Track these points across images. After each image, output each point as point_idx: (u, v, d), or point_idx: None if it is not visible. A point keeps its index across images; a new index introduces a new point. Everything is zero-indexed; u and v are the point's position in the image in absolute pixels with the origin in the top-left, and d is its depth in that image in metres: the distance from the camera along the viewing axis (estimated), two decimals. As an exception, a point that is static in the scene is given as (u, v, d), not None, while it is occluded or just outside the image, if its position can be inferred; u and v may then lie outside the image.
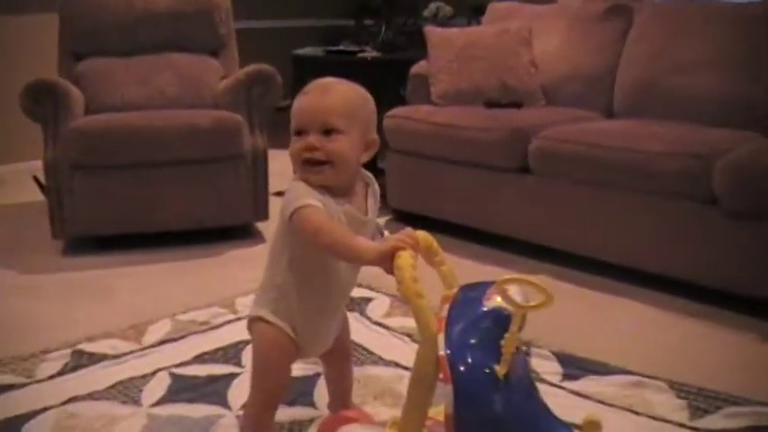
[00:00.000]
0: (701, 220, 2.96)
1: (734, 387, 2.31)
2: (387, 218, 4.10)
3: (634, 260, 3.17)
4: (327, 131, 1.69)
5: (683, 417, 2.19)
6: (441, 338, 1.41)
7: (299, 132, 1.72)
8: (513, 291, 1.42)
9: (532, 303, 1.38)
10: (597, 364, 2.47)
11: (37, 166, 3.70)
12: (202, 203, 3.68)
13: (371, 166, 4.40)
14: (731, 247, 2.87)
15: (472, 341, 1.41)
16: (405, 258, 1.44)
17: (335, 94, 1.73)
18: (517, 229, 3.56)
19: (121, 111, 3.73)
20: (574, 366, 2.47)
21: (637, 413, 2.20)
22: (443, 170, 3.80)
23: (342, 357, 2.04)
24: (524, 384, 1.52)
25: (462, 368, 1.38)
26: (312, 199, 1.65)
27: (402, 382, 2.33)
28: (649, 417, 2.19)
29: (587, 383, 2.37)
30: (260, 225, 3.94)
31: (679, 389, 2.32)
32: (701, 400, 2.26)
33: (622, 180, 3.16)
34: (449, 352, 1.39)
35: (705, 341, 2.71)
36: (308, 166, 1.71)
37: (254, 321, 1.84)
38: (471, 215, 3.73)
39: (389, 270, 1.50)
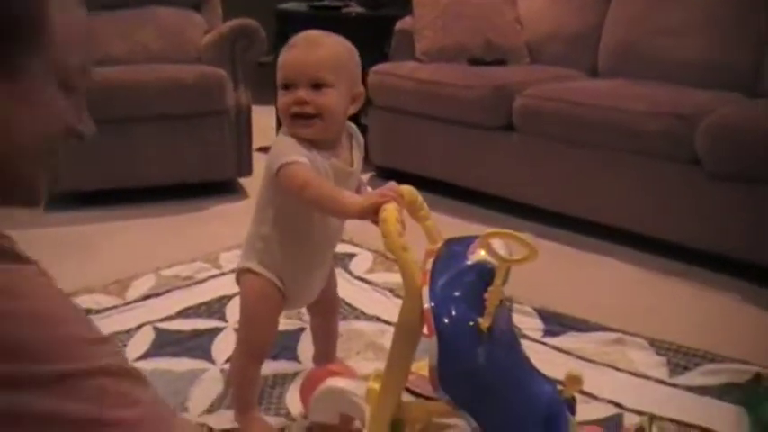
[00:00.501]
0: (683, 181, 2.97)
1: (713, 345, 2.34)
2: (369, 174, 4.09)
3: (616, 219, 3.18)
4: (317, 85, 1.70)
5: (662, 373, 2.22)
6: (425, 292, 1.42)
7: (287, 86, 1.72)
8: (497, 245, 1.43)
9: (516, 257, 1.39)
10: (578, 321, 2.50)
11: (18, 120, 3.66)
12: (186, 159, 3.66)
13: (355, 121, 4.40)
14: (713, 208, 2.89)
15: (456, 294, 1.43)
16: (390, 212, 1.44)
17: (324, 48, 1.73)
18: (501, 187, 3.57)
19: (104, 65, 3.69)
20: (555, 322, 2.49)
21: (617, 369, 2.23)
22: (427, 127, 3.79)
23: (328, 309, 2.07)
24: (507, 338, 1.54)
25: (446, 321, 1.39)
26: (298, 155, 1.66)
27: (384, 337, 2.35)
28: (629, 373, 2.21)
29: (568, 339, 2.39)
30: (244, 181, 3.93)
31: (659, 346, 2.35)
32: (681, 357, 2.29)
33: (606, 139, 3.16)
34: (433, 305, 1.40)
35: (685, 300, 2.74)
36: (298, 119, 1.71)
37: (242, 273, 1.86)
38: (455, 173, 3.74)
39: (375, 222, 1.51)
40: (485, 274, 1.44)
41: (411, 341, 1.50)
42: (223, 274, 2.82)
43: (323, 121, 1.71)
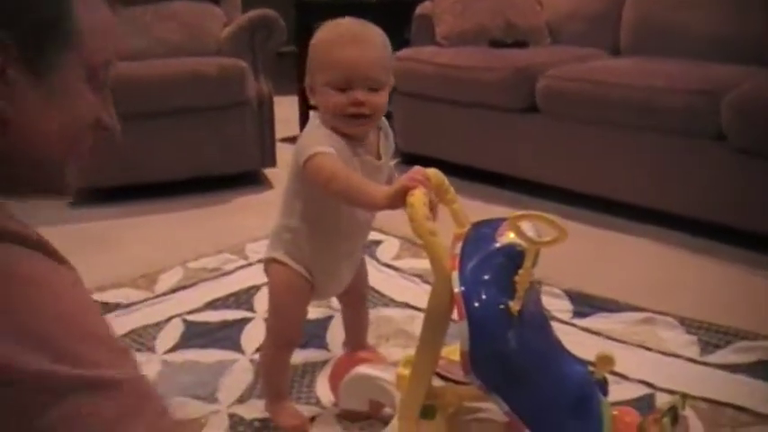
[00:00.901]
0: (708, 157, 2.94)
1: (743, 322, 2.32)
2: (394, 161, 4.07)
3: (642, 198, 3.16)
4: (372, 86, 1.69)
5: (693, 352, 2.20)
6: (455, 276, 1.41)
7: (343, 87, 1.68)
8: (526, 227, 1.42)
9: (547, 239, 1.38)
10: (607, 302, 2.48)
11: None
12: (209, 151, 3.67)
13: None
14: (739, 183, 2.86)
15: (486, 278, 1.42)
16: (417, 196, 1.43)
17: (374, 47, 1.71)
18: (525, 169, 3.55)
19: (124, 61, 3.70)
20: (584, 304, 2.48)
21: (647, 349, 2.21)
22: (450, 112, 3.78)
23: (357, 299, 2.06)
24: (537, 320, 1.53)
25: (477, 305, 1.38)
26: (326, 146, 1.64)
27: (414, 323, 2.35)
28: (660, 353, 2.20)
29: (598, 320, 2.38)
30: (268, 171, 3.93)
31: (689, 324, 2.33)
32: (712, 336, 2.27)
33: (629, 118, 3.14)
34: (463, 289, 1.39)
35: (713, 277, 2.71)
36: (354, 119, 1.69)
37: (269, 263, 1.86)
38: (478, 156, 3.73)
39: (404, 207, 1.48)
40: (514, 257, 1.43)
41: (441, 326, 1.49)
42: (250, 264, 2.83)
43: (373, 120, 1.72)
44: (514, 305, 1.39)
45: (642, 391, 2.00)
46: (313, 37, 1.75)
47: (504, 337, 1.39)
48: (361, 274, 2.02)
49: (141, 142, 3.53)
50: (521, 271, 1.40)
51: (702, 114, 2.91)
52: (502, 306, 1.39)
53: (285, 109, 4.31)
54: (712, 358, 2.16)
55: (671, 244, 2.98)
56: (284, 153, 4.00)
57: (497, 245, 1.47)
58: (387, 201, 1.51)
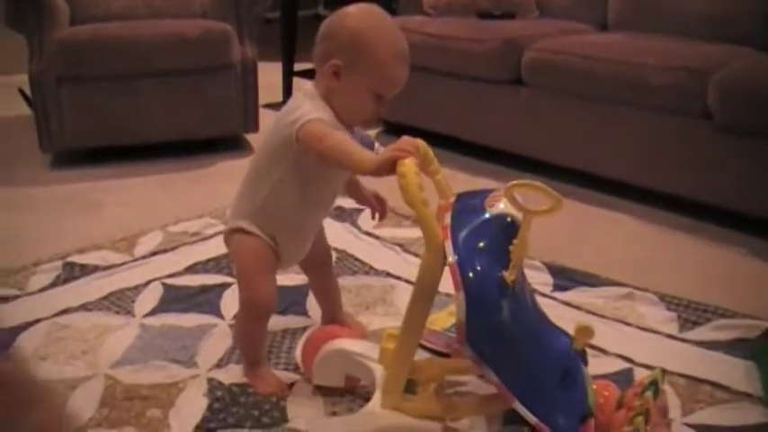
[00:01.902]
0: (693, 135, 2.94)
1: (722, 300, 2.33)
2: (377, 130, 4.08)
3: (626, 174, 3.16)
4: None
5: (672, 328, 2.21)
6: (448, 246, 1.40)
7: (379, 97, 1.74)
8: (518, 197, 1.41)
9: (542, 208, 1.37)
10: (588, 276, 2.49)
11: (23, 79, 3.63)
12: (191, 115, 3.63)
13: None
14: (723, 162, 2.86)
15: (479, 247, 1.41)
16: (409, 166, 1.41)
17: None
18: (509, 141, 3.54)
19: (107, 21, 3.65)
20: (564, 278, 2.48)
21: (627, 324, 2.22)
22: (435, 82, 3.75)
23: (323, 263, 2.07)
24: (524, 292, 1.53)
25: (472, 274, 1.38)
26: (320, 113, 1.66)
27: (394, 292, 2.35)
28: (639, 328, 2.21)
29: (578, 294, 2.39)
30: (250, 137, 3.91)
31: (669, 301, 2.34)
32: (691, 312, 2.28)
33: (616, 93, 3.13)
34: (456, 258, 1.38)
35: (695, 255, 2.72)
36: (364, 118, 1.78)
37: (232, 233, 1.86)
38: (463, 127, 3.71)
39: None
40: (505, 227, 1.43)
41: (430, 297, 1.48)
42: (230, 229, 2.82)
43: None
44: (509, 275, 1.38)
45: (621, 365, 2.01)
46: (359, 21, 1.72)
47: (499, 307, 1.39)
48: (320, 236, 2.02)
49: (123, 104, 3.51)
50: (516, 240, 1.39)
51: (689, 93, 2.90)
52: (497, 276, 1.38)
53: (269, 75, 4.28)
54: (691, 335, 2.17)
55: (653, 221, 2.98)
56: (267, 119, 3.97)
57: (488, 215, 1.46)
58: (375, 167, 1.51)
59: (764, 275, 2.56)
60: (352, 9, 1.75)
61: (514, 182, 1.40)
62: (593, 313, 2.27)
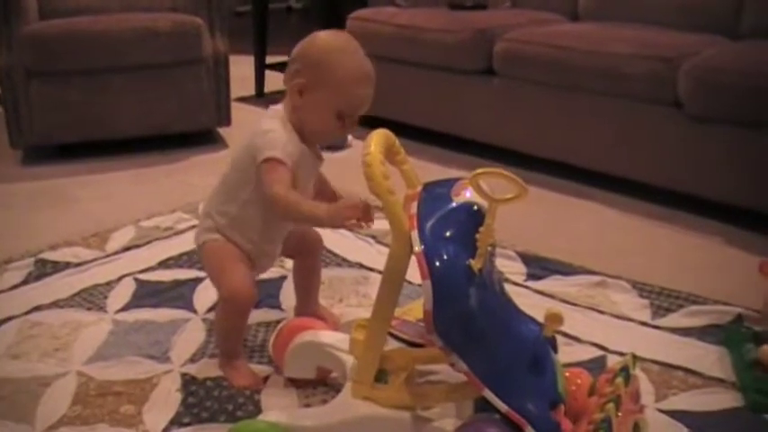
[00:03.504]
0: (665, 124, 2.95)
1: (695, 287, 2.35)
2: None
3: (599, 163, 3.17)
4: None
5: (645, 315, 2.22)
6: (414, 235, 1.40)
7: (343, 116, 1.78)
8: (484, 185, 1.41)
9: (507, 196, 1.37)
10: (561, 265, 2.50)
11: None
12: (163, 109, 3.61)
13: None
14: (695, 151, 2.88)
15: (446, 236, 1.41)
16: (374, 156, 1.41)
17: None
18: (482, 132, 3.55)
19: (77, 15, 3.62)
20: (538, 266, 2.49)
21: (600, 312, 2.23)
22: (407, 73, 3.75)
23: (311, 252, 2.07)
24: (493, 280, 1.53)
25: (438, 263, 1.38)
26: (286, 153, 1.72)
27: (367, 283, 2.35)
28: (613, 315, 2.22)
29: (551, 283, 2.39)
30: (222, 131, 3.89)
31: (641, 288, 2.35)
32: (663, 300, 2.29)
33: (588, 83, 3.14)
34: (423, 247, 1.38)
35: (668, 243, 2.74)
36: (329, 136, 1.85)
37: (202, 246, 1.91)
38: (435, 118, 3.71)
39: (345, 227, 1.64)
40: (472, 215, 1.43)
41: (398, 285, 1.49)
42: (204, 224, 2.81)
43: None
44: (476, 263, 1.38)
45: (594, 353, 2.02)
46: (325, 43, 1.80)
47: (466, 295, 1.39)
48: (313, 236, 2.04)
49: (94, 98, 3.48)
50: (482, 228, 1.39)
51: (660, 81, 2.92)
52: (464, 264, 1.38)
53: (241, 68, 4.26)
54: (664, 322, 2.18)
55: (626, 209, 3.00)
56: (239, 113, 3.97)
57: (455, 203, 1.46)
58: (325, 221, 1.66)
59: (736, 262, 2.57)
60: (321, 33, 1.83)
61: (479, 170, 1.40)
62: (567, 302, 2.27)
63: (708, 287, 2.34)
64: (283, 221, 1.88)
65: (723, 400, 1.84)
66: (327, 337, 1.79)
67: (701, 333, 2.12)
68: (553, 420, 1.46)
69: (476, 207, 1.44)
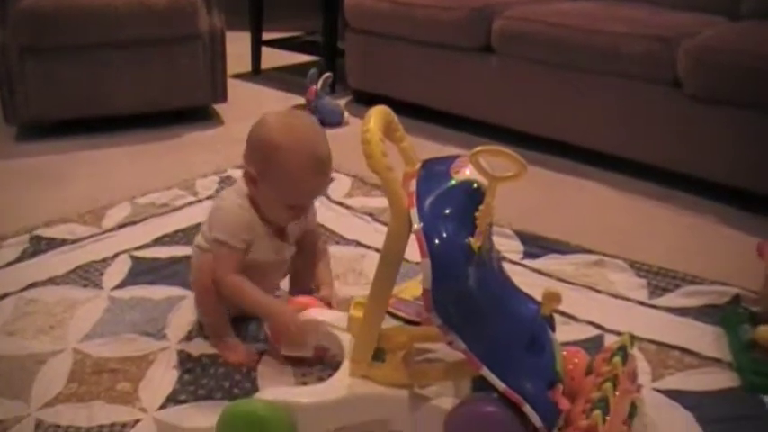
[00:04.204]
0: (663, 104, 2.94)
1: (692, 267, 2.34)
2: (347, 99, 4.05)
3: (596, 142, 3.16)
4: None
5: (642, 295, 2.22)
6: (413, 213, 1.39)
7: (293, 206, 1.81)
8: (483, 163, 1.40)
9: (507, 174, 1.36)
10: (558, 243, 2.49)
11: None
12: (159, 85, 3.59)
13: (332, 46, 4.35)
14: (693, 130, 2.87)
15: (445, 214, 1.40)
16: (372, 132, 1.40)
17: (330, 166, 1.79)
18: (479, 110, 3.53)
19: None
20: (535, 245, 2.48)
21: (597, 291, 2.23)
22: (404, 50, 3.73)
23: (309, 249, 2.05)
24: (491, 258, 1.52)
25: (437, 241, 1.37)
26: (240, 240, 1.80)
27: (364, 261, 2.34)
28: (610, 295, 2.22)
29: (548, 262, 2.39)
30: (218, 107, 3.86)
31: (639, 268, 2.35)
32: (660, 279, 2.29)
33: (586, 61, 3.12)
34: (422, 225, 1.37)
35: (665, 223, 2.73)
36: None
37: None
38: (433, 96, 3.69)
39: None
40: (471, 193, 1.42)
41: (396, 264, 1.47)
42: (199, 201, 2.81)
43: None
44: (475, 242, 1.38)
45: (591, 332, 2.02)
46: (271, 137, 1.76)
47: (465, 273, 1.39)
48: (311, 223, 2.04)
49: (89, 75, 3.46)
50: (481, 207, 1.38)
51: (659, 61, 2.90)
52: (463, 243, 1.37)
53: (237, 45, 4.23)
54: (660, 301, 2.18)
55: (624, 188, 2.99)
56: (235, 89, 3.95)
57: (454, 181, 1.45)
58: (266, 318, 1.85)
59: (734, 242, 2.57)
60: (270, 118, 1.81)
61: (479, 148, 1.39)
62: (564, 280, 2.27)
63: (705, 267, 2.34)
64: (274, 274, 1.97)
65: (719, 380, 1.85)
66: (325, 314, 1.79)
67: (698, 313, 2.12)
68: (550, 399, 1.46)
69: (475, 185, 1.43)
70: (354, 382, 1.59)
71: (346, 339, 1.67)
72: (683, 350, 1.95)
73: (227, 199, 1.87)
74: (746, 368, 1.85)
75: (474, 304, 1.41)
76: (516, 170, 1.35)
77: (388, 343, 1.58)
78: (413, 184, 1.44)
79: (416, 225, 1.38)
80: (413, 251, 1.40)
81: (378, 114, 1.47)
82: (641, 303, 2.18)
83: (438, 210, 1.40)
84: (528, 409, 1.43)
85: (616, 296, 2.21)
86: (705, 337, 2.00)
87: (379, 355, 1.57)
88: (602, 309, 2.13)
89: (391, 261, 1.47)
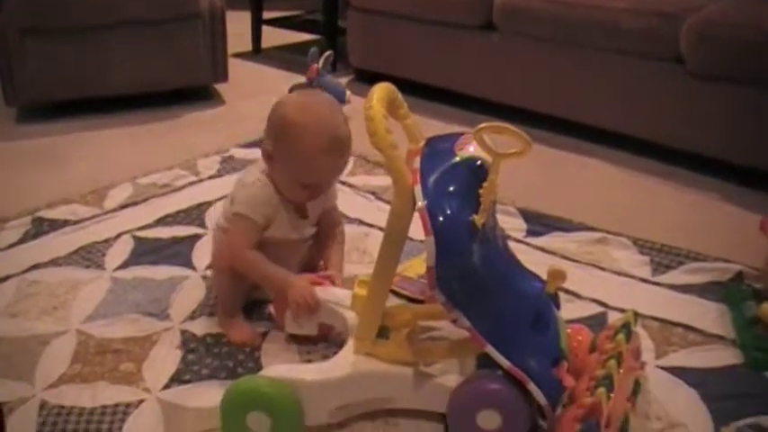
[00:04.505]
0: (666, 80, 2.93)
1: (695, 244, 2.34)
2: (348, 78, 4.04)
3: (599, 119, 3.15)
4: None
5: (645, 272, 2.22)
6: (417, 190, 1.38)
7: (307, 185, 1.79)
8: (487, 140, 1.39)
9: (512, 150, 1.35)
10: (561, 221, 2.49)
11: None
12: (159, 65, 3.57)
13: (333, 24, 4.33)
14: (696, 107, 2.86)
15: (449, 191, 1.39)
16: (376, 109, 1.39)
17: (348, 148, 1.77)
18: (482, 87, 3.52)
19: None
20: (538, 223, 2.48)
21: (601, 268, 2.23)
22: (406, 28, 3.71)
23: (324, 233, 2.04)
24: (496, 236, 1.52)
25: (441, 219, 1.36)
26: (259, 213, 1.81)
27: (367, 240, 2.34)
28: (613, 272, 2.22)
29: (552, 239, 2.39)
30: (219, 87, 3.85)
31: (642, 245, 2.35)
32: (664, 256, 2.29)
33: (588, 38, 3.10)
34: (426, 202, 1.37)
35: (668, 200, 2.73)
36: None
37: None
38: (435, 74, 3.67)
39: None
40: (475, 170, 1.42)
41: (400, 242, 1.47)
42: (201, 180, 2.80)
43: None
44: (479, 219, 1.37)
45: (594, 309, 2.02)
46: (286, 114, 1.76)
47: (469, 250, 1.38)
48: (328, 217, 2.02)
49: (89, 56, 3.44)
50: (485, 183, 1.38)
51: (661, 37, 2.89)
52: (467, 220, 1.37)
53: (237, 24, 4.21)
54: (664, 278, 2.18)
55: (627, 166, 2.98)
56: (236, 69, 3.93)
57: (457, 158, 1.45)
58: (280, 291, 1.82)
59: (736, 220, 2.56)
60: (288, 98, 1.84)
61: (483, 125, 1.38)
62: (567, 258, 2.27)
63: (708, 244, 2.34)
64: (293, 254, 1.94)
65: (723, 357, 1.85)
66: (329, 293, 1.78)
67: (702, 290, 2.12)
68: (555, 377, 1.46)
69: (479, 162, 1.42)
70: (359, 359, 1.59)
71: (351, 317, 1.67)
72: (687, 327, 1.95)
73: (249, 174, 1.86)
74: (750, 345, 1.85)
75: (478, 281, 1.41)
76: (520, 147, 1.34)
77: (393, 321, 1.58)
78: (417, 162, 1.44)
79: (420, 202, 1.37)
80: (416, 229, 1.39)
81: (381, 91, 1.46)
82: (644, 281, 2.18)
83: (442, 187, 1.39)
84: (532, 386, 1.43)
85: (619, 273, 2.21)
86: (708, 314, 2.00)
87: (383, 333, 1.57)
88: (605, 286, 2.13)
89: (395, 239, 1.47)
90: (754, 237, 2.15)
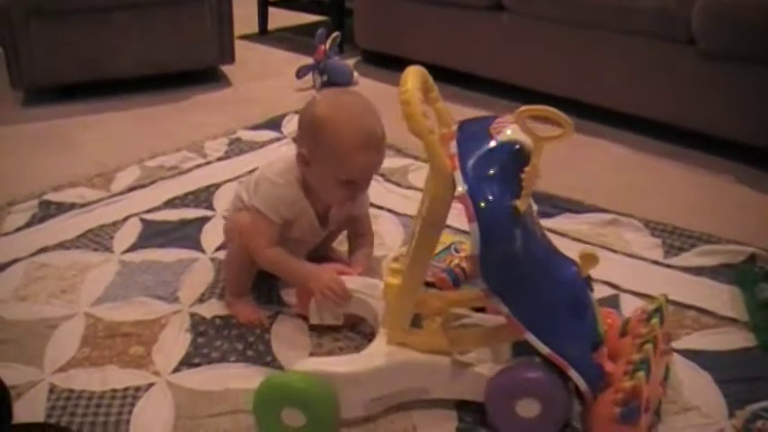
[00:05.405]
0: (677, 61, 2.91)
1: (707, 226, 2.32)
2: (356, 59, 4.01)
3: (610, 100, 3.13)
4: None
5: (657, 254, 2.20)
6: (457, 175, 1.35)
7: (348, 183, 1.74)
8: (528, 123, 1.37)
9: (553, 133, 1.33)
10: (573, 203, 2.47)
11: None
12: (166, 47, 3.56)
13: (339, 6, 4.31)
14: (707, 88, 2.83)
15: (489, 176, 1.36)
16: (412, 93, 1.34)
17: (384, 145, 1.75)
18: (490, 68, 3.49)
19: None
20: (549, 204, 2.46)
21: (613, 251, 2.21)
22: (414, 9, 3.68)
23: (353, 239, 2.04)
24: (534, 220, 1.50)
25: (484, 204, 1.33)
26: (279, 215, 1.80)
27: (377, 222, 2.31)
28: (625, 254, 2.20)
29: (563, 221, 2.37)
30: (226, 69, 3.83)
31: (654, 227, 2.33)
32: (676, 239, 2.27)
33: (598, 19, 3.08)
34: (467, 188, 1.34)
35: (680, 181, 2.71)
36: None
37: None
38: (443, 55, 3.64)
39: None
40: (514, 154, 1.39)
41: (439, 230, 1.43)
42: (209, 163, 2.79)
43: None
44: (521, 204, 1.35)
45: (607, 292, 2.00)
46: (320, 113, 1.72)
47: (513, 236, 1.36)
48: (358, 212, 2.00)
49: (96, 38, 3.42)
50: (527, 168, 1.35)
51: (673, 17, 2.86)
52: (509, 205, 1.35)
53: (243, 5, 4.20)
54: (676, 261, 2.16)
55: (638, 147, 2.96)
56: (242, 50, 3.92)
57: (495, 142, 1.42)
58: (304, 283, 1.80)
59: (749, 201, 2.55)
60: (320, 97, 1.79)
61: (524, 107, 1.33)
62: (579, 240, 2.25)
63: (720, 226, 2.32)
64: (303, 248, 1.94)
65: (735, 339, 1.83)
66: (355, 282, 1.76)
67: (714, 272, 2.10)
68: (595, 362, 1.45)
69: (517, 146, 1.39)
70: (393, 349, 1.55)
71: (380, 307, 1.65)
72: (700, 310, 1.93)
73: (277, 172, 1.82)
74: (762, 328, 1.84)
75: (520, 268, 1.38)
76: (563, 129, 1.31)
77: (425, 309, 1.55)
78: (453, 146, 1.41)
79: (461, 188, 1.34)
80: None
81: (414, 75, 1.41)
82: (656, 263, 2.16)
83: (481, 172, 1.36)
84: (573, 373, 1.42)
85: (631, 255, 2.19)
86: (721, 297, 1.99)
87: (415, 322, 1.54)
88: (617, 268, 2.11)
89: (434, 226, 1.43)
90: (767, 218, 2.13)
